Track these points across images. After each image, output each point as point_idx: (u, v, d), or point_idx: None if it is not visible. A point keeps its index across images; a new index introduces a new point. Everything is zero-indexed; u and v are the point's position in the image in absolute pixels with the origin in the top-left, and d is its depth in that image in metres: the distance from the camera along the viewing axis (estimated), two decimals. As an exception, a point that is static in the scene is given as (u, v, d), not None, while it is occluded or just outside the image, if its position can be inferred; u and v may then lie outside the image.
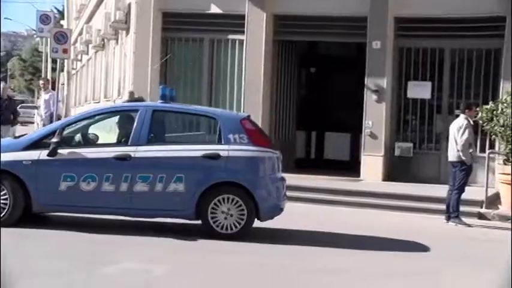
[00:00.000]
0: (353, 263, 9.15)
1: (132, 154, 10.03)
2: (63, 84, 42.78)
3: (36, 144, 10.22)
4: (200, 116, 11.27)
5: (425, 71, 17.24)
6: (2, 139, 11.31)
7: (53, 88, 23.54)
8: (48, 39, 31.60)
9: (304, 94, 21.09)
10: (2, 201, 9.97)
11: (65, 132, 10.30)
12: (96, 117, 10.91)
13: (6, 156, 10.02)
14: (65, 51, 28.52)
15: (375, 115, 16.94)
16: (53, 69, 40.81)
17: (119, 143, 10.44)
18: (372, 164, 16.83)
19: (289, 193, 14.75)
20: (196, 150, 10.13)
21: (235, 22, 17.77)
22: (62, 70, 40.85)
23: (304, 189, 15.08)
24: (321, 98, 20.74)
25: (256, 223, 10.28)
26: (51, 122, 18.37)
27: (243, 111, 17.49)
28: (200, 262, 8.76)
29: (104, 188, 9.99)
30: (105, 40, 24.98)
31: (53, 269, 7.96)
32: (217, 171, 10.05)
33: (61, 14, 51.10)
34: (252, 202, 10.00)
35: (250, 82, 17.57)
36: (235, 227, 10.00)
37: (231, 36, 18.08)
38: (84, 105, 30.33)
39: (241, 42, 17.86)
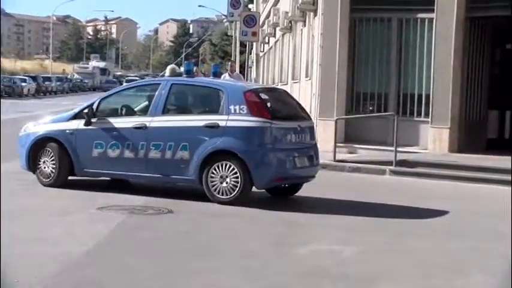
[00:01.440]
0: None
1: (148, 124, 10.99)
2: (250, 67, 43.74)
3: (78, 115, 11.57)
4: (210, 88, 11.50)
5: None
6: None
7: (241, 71, 24.10)
8: (238, 23, 32.45)
9: (498, 72, 20.27)
10: (51, 165, 11.47)
11: (102, 105, 11.49)
12: (130, 91, 12.41)
13: (55, 126, 11.67)
14: (254, 34, 29.14)
15: None
16: (241, 52, 41.81)
17: (141, 114, 11.38)
18: None
19: (475, 174, 14.44)
20: (199, 120, 10.83)
21: (424, 0, 17.36)
22: (250, 53, 41.77)
23: (496, 170, 14.55)
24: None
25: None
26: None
27: (432, 92, 17.16)
28: (390, 244, 8.67)
29: (125, 155, 11.08)
30: (293, 22, 25.25)
31: (247, 248, 8.17)
32: (216, 140, 10.62)
33: (249, -2, 52.19)
34: (246, 170, 10.42)
35: (439, 62, 17.10)
36: (232, 193, 10.47)
37: (419, 15, 17.67)
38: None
39: (430, 20, 17.41)
